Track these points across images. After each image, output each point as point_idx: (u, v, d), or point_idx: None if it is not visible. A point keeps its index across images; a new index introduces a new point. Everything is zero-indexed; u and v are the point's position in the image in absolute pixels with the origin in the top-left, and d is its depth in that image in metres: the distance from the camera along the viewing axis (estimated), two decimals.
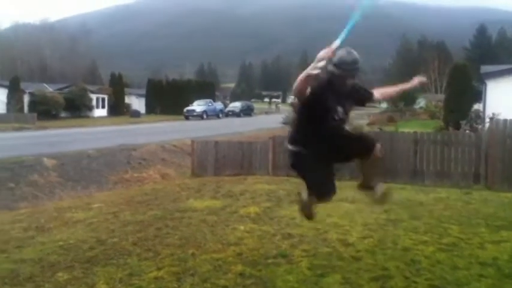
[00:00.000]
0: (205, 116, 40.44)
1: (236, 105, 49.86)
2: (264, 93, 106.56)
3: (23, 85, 41.14)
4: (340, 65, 3.28)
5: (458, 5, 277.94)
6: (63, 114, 41.57)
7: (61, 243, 5.01)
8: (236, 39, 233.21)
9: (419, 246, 4.48)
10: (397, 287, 3.52)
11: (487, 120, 15.35)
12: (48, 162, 13.85)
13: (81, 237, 5.22)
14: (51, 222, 6.28)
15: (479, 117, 18.63)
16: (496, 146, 8.46)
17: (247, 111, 48.36)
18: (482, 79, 19.14)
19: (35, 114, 34.73)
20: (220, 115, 43.63)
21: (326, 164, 3.60)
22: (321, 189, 3.60)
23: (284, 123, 16.82)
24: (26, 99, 39.43)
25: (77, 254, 4.55)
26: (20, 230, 5.87)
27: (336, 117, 3.43)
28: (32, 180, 12.47)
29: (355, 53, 3.35)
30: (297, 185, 8.61)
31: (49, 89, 45.25)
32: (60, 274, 3.99)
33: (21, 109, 37.97)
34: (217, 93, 67.92)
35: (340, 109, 3.42)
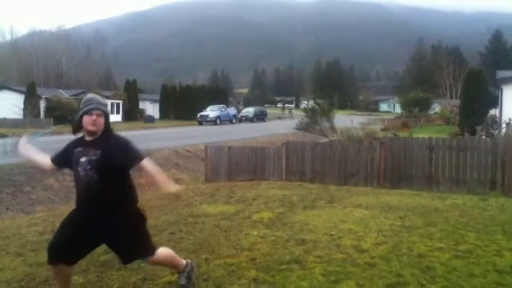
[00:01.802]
0: (218, 122, 40.58)
1: (249, 111, 49.95)
2: (277, 98, 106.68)
3: (39, 91, 41.82)
4: (83, 105, 3.28)
5: (474, 10, 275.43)
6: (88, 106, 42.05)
7: None
8: (249, 46, 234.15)
9: (434, 253, 4.42)
10: None
11: (503, 125, 15.15)
12: None
13: None
14: None
15: (495, 122, 18.40)
16: None
17: (260, 117, 48.41)
18: (498, 84, 18.92)
19: (51, 119, 35.21)
20: (234, 120, 43.75)
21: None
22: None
23: (297, 128, 16.75)
24: (42, 104, 40.03)
25: (91, 258, 4.58)
26: (36, 234, 5.94)
27: (80, 169, 3.15)
28: (48, 184, 12.61)
29: (98, 97, 3.34)
30: (310, 191, 8.60)
31: (64, 94, 45.84)
32: (75, 278, 4.02)
33: (37, 114, 38.55)
34: (230, 98, 68.24)
35: (84, 159, 3.15)
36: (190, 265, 3.68)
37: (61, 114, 38.94)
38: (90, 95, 3.37)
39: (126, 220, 3.21)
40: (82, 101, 3.31)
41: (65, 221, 3.31)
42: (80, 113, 3.24)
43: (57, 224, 6.51)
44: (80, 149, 3.21)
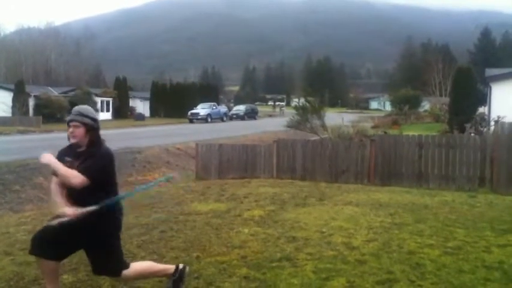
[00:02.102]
0: (209, 119, 40.50)
1: (240, 109, 49.90)
2: (268, 96, 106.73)
3: (27, 88, 41.36)
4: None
5: (463, 8, 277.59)
6: (68, 118, 41.73)
7: None
8: (240, 43, 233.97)
9: (424, 250, 4.46)
10: None
11: (492, 123, 15.31)
12: None
13: None
14: None
15: (484, 120, 18.57)
16: (501, 149, 8.43)
17: (251, 114, 48.38)
18: (487, 82, 19.09)
19: (40, 117, 34.87)
20: (225, 118, 43.68)
21: None
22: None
23: (288, 126, 16.78)
24: (31, 102, 39.61)
25: (81, 257, 4.53)
26: (25, 233, 5.88)
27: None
28: (37, 183, 12.51)
29: (83, 107, 3.34)
30: (301, 188, 8.62)
31: (54, 92, 45.41)
32: (65, 277, 4.00)
33: (26, 112, 38.15)
34: (221, 96, 68.05)
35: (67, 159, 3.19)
36: (180, 271, 3.56)
37: (50, 112, 38.62)
38: (78, 106, 3.37)
39: (100, 229, 3.19)
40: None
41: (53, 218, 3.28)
42: None
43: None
44: (69, 158, 3.19)
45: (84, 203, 3.05)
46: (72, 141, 3.20)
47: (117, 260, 3.28)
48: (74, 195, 3.12)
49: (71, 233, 3.11)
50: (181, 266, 3.59)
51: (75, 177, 3.01)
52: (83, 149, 3.21)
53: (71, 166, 3.11)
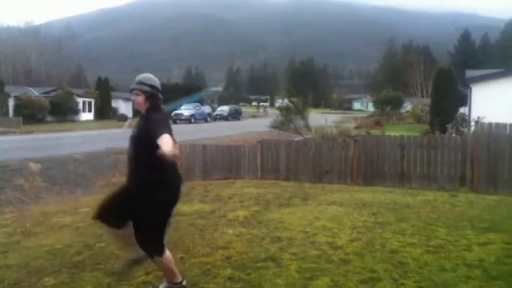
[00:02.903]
0: (193, 120, 40.33)
1: (224, 109, 49.81)
2: (252, 97, 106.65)
3: (7, 89, 40.68)
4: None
5: (443, 11, 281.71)
6: (48, 118, 41.15)
7: (47, 248, 4.95)
8: (223, 44, 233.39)
9: (407, 249, 4.51)
10: None
11: (472, 123, 15.56)
12: (33, 166, 13.69)
13: (68, 242, 5.16)
14: (37, 227, 6.21)
15: (465, 120, 18.86)
16: (481, 149, 8.57)
17: (235, 115, 48.33)
18: (467, 83, 19.39)
19: (20, 118, 34.32)
20: (208, 119, 43.55)
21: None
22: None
23: (272, 127, 16.80)
24: (11, 103, 38.97)
25: (63, 259, 4.50)
26: (5, 235, 5.79)
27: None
28: (17, 185, 12.31)
29: (144, 76, 3.52)
30: (285, 189, 8.64)
31: (34, 92, 44.73)
32: (46, 279, 3.94)
33: (6, 113, 37.50)
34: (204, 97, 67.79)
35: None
36: (181, 285, 3.51)
37: (31, 113, 38.04)
38: (140, 75, 3.54)
39: (146, 201, 3.29)
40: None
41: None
42: None
43: (28, 225, 6.38)
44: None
45: (137, 163, 3.37)
46: (136, 107, 3.49)
47: (149, 241, 3.34)
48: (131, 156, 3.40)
49: (127, 201, 3.35)
50: (184, 282, 3.54)
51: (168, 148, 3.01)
52: (142, 114, 3.43)
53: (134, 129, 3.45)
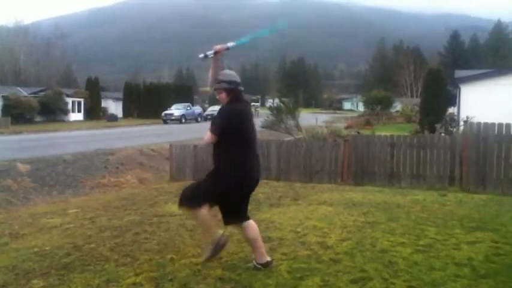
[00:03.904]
0: (183, 120, 40.25)
1: (215, 109, 49.51)
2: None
3: None
4: None
5: (433, 12, 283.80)
6: (38, 119, 40.80)
7: (36, 249, 4.91)
8: (214, 44, 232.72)
9: (396, 248, 4.53)
10: None
11: (462, 123, 15.70)
12: (22, 167, 13.56)
13: (57, 244, 5.12)
14: (25, 229, 6.15)
15: (454, 120, 19.02)
16: (470, 149, 8.65)
17: None
18: (457, 83, 19.56)
19: (9, 118, 33.99)
20: (199, 119, 43.46)
21: None
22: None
23: (263, 127, 16.82)
24: None
25: (52, 261, 4.46)
26: None
27: None
28: (6, 186, 12.18)
29: (222, 73, 3.92)
30: (275, 188, 8.64)
31: (23, 92, 44.31)
32: (35, 281, 3.90)
33: None
34: (195, 97, 67.62)
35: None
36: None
37: (20, 113, 37.70)
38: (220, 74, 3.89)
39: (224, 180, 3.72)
40: None
41: None
42: None
43: (16, 227, 6.32)
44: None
45: (215, 153, 3.79)
46: (222, 102, 3.85)
47: (234, 214, 3.88)
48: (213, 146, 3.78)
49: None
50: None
51: (204, 139, 3.77)
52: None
53: None
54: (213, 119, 3.77)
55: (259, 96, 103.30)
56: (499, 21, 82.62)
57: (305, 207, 6.69)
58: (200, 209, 3.70)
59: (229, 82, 3.78)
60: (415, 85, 58.63)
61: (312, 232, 5.20)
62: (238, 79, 3.85)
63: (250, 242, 3.93)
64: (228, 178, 3.70)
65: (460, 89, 18.68)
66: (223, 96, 3.80)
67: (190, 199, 3.74)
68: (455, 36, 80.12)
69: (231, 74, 3.87)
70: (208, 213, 3.77)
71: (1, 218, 7.54)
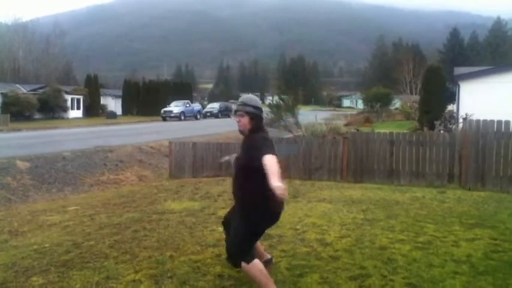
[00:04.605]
0: (183, 117, 40.18)
1: (214, 106, 49.69)
2: (242, 94, 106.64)
3: None
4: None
5: (433, 9, 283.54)
6: (37, 116, 40.71)
7: (35, 247, 4.91)
8: (214, 41, 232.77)
9: (396, 245, 4.54)
10: (374, 286, 3.56)
11: (461, 120, 15.69)
12: (21, 164, 13.54)
13: (57, 241, 5.12)
14: (25, 226, 6.15)
15: (453, 117, 19.01)
16: (469, 146, 8.65)
17: (225, 112, 48.22)
18: (456, 81, 19.54)
19: (8, 116, 33.91)
20: (198, 116, 43.40)
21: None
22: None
23: None
24: None
25: (52, 258, 4.46)
26: None
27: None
28: (5, 183, 12.17)
29: (247, 97, 3.58)
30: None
31: (22, 89, 44.19)
32: (34, 279, 3.90)
33: None
34: (195, 94, 67.66)
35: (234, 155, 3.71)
36: None
37: (19, 110, 37.61)
38: (243, 96, 3.61)
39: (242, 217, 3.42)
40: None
41: None
42: None
43: (15, 224, 6.32)
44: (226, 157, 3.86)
45: (242, 184, 3.44)
46: (239, 129, 3.51)
47: (238, 248, 3.33)
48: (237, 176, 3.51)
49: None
50: None
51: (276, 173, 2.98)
52: (245, 135, 3.49)
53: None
54: (256, 149, 3.19)
55: (258, 94, 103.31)
56: (498, 18, 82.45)
57: (304, 205, 6.69)
58: (254, 263, 3.30)
59: (255, 107, 3.47)
60: (415, 82, 58.54)
61: (311, 229, 5.21)
62: (262, 107, 3.57)
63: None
64: (260, 214, 3.33)
65: (459, 86, 18.65)
66: (244, 121, 3.45)
67: (240, 255, 3.33)
68: (454, 33, 79.96)
69: (256, 99, 3.57)
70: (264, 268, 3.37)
71: (0, 215, 7.54)
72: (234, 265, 3.47)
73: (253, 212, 3.33)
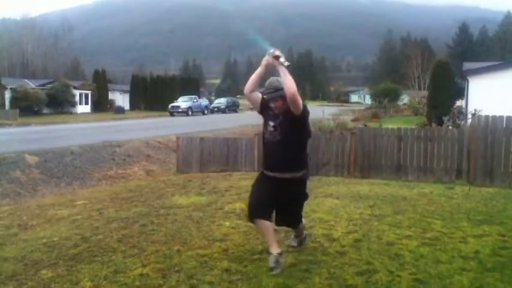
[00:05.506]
0: (190, 112, 40.26)
1: (221, 102, 49.72)
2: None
3: (4, 81, 40.46)
4: (264, 91, 3.89)
5: (441, 3, 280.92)
6: (45, 111, 41.01)
7: (44, 240, 4.95)
8: (221, 36, 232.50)
9: (403, 241, 4.53)
10: (381, 282, 3.55)
11: (469, 116, 15.58)
12: (30, 159, 13.66)
13: (65, 235, 5.16)
14: (34, 220, 6.20)
15: (462, 113, 18.88)
16: (477, 142, 8.60)
17: (232, 108, 48.25)
18: (465, 76, 19.39)
19: (17, 111, 34.19)
20: (206, 111, 43.46)
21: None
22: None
23: None
24: (8, 95, 38.76)
25: (60, 252, 4.50)
26: (2, 228, 5.79)
27: (266, 130, 3.96)
28: (14, 177, 12.29)
29: (277, 80, 3.82)
30: None
31: (31, 84, 44.50)
32: (43, 272, 3.94)
33: (3, 105, 37.34)
34: (202, 89, 67.67)
35: (271, 123, 3.89)
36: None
37: (28, 105, 37.88)
38: (272, 81, 3.85)
39: (295, 190, 4.05)
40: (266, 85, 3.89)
41: (257, 182, 4.05)
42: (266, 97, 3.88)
43: (24, 218, 6.39)
44: (270, 112, 3.88)
45: (297, 143, 3.95)
46: (276, 112, 3.84)
47: (301, 215, 4.18)
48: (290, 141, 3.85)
49: (275, 193, 3.84)
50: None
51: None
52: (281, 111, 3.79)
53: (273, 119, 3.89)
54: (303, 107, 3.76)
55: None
56: (508, 12, 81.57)
57: (311, 200, 6.67)
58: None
59: (283, 88, 3.72)
60: (423, 77, 58.16)
61: (318, 225, 5.21)
62: None
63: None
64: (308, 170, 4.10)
65: (468, 81, 18.52)
66: (279, 104, 3.77)
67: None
68: (463, 28, 79.28)
69: (280, 80, 3.82)
70: None
71: (10, 209, 7.62)
72: (296, 227, 4.22)
73: (306, 169, 4.03)
